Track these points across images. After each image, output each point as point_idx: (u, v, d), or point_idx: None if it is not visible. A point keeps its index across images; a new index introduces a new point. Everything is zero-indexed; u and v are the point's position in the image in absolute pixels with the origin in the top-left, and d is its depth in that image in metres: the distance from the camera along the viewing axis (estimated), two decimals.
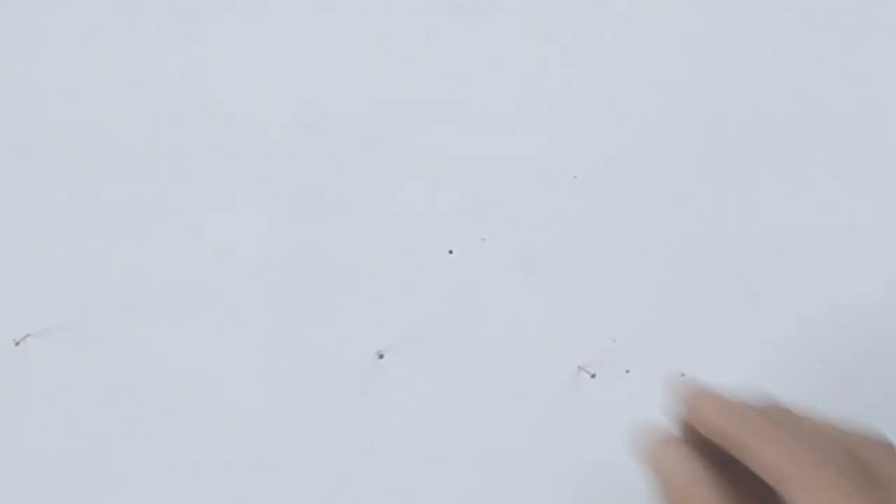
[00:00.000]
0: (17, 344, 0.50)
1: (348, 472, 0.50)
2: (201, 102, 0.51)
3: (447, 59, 0.52)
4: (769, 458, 0.38)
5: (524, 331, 0.51)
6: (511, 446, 0.50)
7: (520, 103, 0.52)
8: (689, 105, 0.52)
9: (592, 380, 0.50)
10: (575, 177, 0.52)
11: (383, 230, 0.51)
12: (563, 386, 0.50)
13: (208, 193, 0.51)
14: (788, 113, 0.52)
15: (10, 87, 0.51)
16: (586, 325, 0.51)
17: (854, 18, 0.52)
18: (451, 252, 0.51)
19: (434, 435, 0.51)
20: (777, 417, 0.40)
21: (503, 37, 0.52)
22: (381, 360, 0.51)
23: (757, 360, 0.51)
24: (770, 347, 0.50)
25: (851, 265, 0.51)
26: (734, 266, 0.51)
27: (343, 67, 0.52)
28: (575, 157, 0.52)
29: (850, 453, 0.39)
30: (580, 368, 0.50)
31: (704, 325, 0.51)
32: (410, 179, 0.51)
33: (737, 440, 0.39)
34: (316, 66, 0.51)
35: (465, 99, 0.52)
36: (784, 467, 0.38)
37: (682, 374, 0.50)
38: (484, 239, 0.51)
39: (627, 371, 0.50)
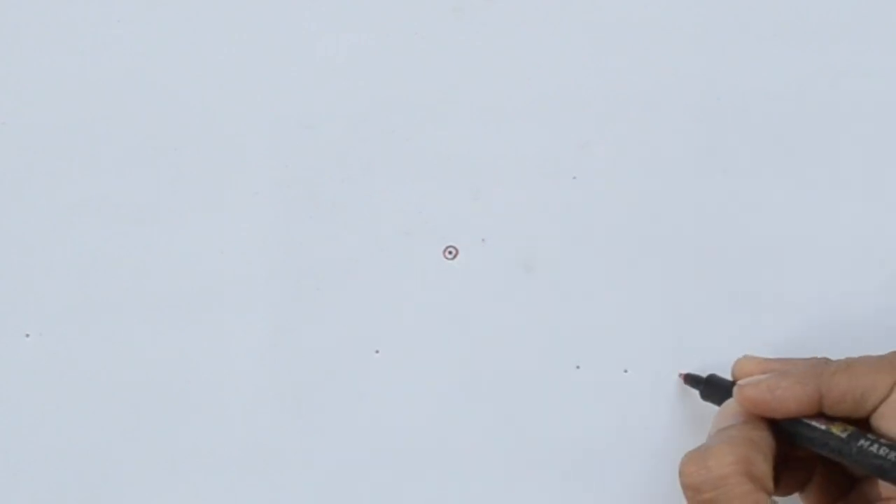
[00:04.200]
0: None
1: (346, 471, 0.50)
2: (200, 103, 0.51)
3: (446, 59, 0.52)
4: (852, 381, 0.43)
5: (523, 331, 0.51)
6: (509, 445, 0.50)
7: (519, 103, 0.52)
8: (689, 105, 0.52)
9: (591, 380, 0.50)
10: (574, 177, 0.52)
11: (383, 230, 0.51)
12: (561, 386, 0.50)
13: (208, 194, 0.51)
14: (788, 113, 0.52)
15: (8, 87, 0.51)
16: (585, 325, 0.51)
17: (855, 18, 0.52)
18: (451, 253, 0.51)
19: (433, 434, 0.51)
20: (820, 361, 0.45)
21: (502, 36, 0.52)
22: (380, 360, 0.51)
23: None
24: (770, 348, 0.50)
25: (851, 265, 0.51)
26: (734, 266, 0.51)
27: (342, 67, 0.51)
28: (574, 157, 0.51)
29: None
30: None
31: (704, 326, 0.50)
32: (410, 179, 0.51)
33: (810, 394, 0.43)
34: (315, 66, 0.51)
35: (465, 99, 0.51)
36: (868, 379, 0.43)
37: (680, 374, 0.50)
38: (484, 239, 0.51)
39: (626, 371, 0.50)
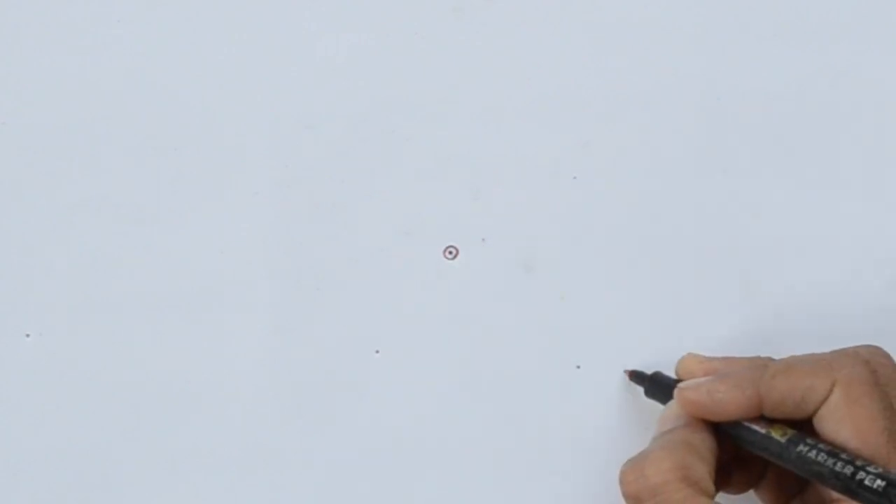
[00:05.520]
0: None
1: (347, 471, 0.50)
2: (200, 103, 0.51)
3: (446, 59, 0.52)
4: (791, 384, 0.43)
5: (523, 331, 0.51)
6: (509, 446, 0.50)
7: (519, 103, 0.52)
8: (689, 105, 0.52)
9: (591, 380, 0.50)
10: (574, 177, 0.52)
11: (383, 230, 0.51)
12: (561, 386, 0.50)
13: (208, 194, 0.51)
14: (788, 113, 0.52)
15: (8, 87, 0.51)
16: (585, 325, 0.51)
17: (855, 17, 0.52)
18: (451, 253, 0.51)
19: (433, 434, 0.51)
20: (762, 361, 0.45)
21: (502, 36, 0.52)
22: (380, 360, 0.51)
23: None
24: (770, 348, 0.50)
25: (851, 265, 0.51)
26: (734, 266, 0.51)
27: (342, 67, 0.52)
28: (574, 157, 0.52)
29: (854, 358, 0.43)
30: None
31: (704, 326, 0.50)
32: (410, 179, 0.51)
33: (749, 397, 0.43)
34: (315, 66, 0.52)
35: (465, 99, 0.52)
36: (806, 381, 0.43)
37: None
38: (484, 239, 0.51)
39: (626, 371, 0.50)
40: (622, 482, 0.43)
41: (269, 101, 0.51)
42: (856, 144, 0.52)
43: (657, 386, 0.48)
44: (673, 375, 0.48)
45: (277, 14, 0.51)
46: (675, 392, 0.45)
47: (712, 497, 0.42)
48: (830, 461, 0.41)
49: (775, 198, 0.51)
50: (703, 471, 0.42)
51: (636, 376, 0.49)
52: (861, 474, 0.40)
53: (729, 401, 0.43)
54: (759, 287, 0.51)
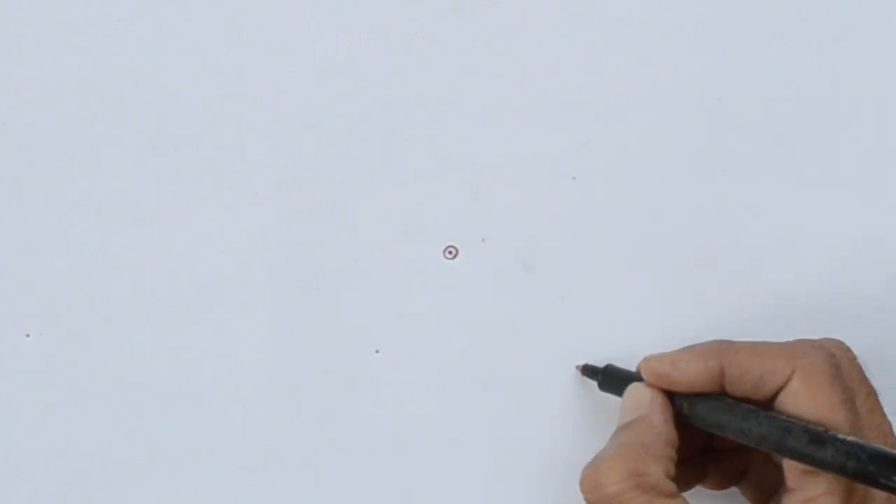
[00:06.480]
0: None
1: (346, 471, 0.51)
2: (200, 103, 0.51)
3: (446, 59, 0.52)
4: (752, 362, 0.43)
5: (524, 331, 0.51)
6: (510, 446, 0.50)
7: (519, 103, 0.52)
8: (689, 105, 0.52)
9: (590, 380, 0.50)
10: (574, 177, 0.52)
11: (383, 230, 0.51)
12: (561, 386, 0.50)
13: (208, 194, 0.51)
14: (788, 113, 0.52)
15: (8, 87, 0.51)
16: (585, 325, 0.51)
17: (855, 17, 0.52)
18: (451, 253, 0.51)
19: (432, 434, 0.51)
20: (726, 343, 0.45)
21: (502, 36, 0.52)
22: (380, 360, 0.51)
23: None
24: None
25: (851, 265, 0.51)
26: (734, 266, 0.51)
27: (342, 67, 0.52)
28: (574, 157, 0.52)
29: (818, 349, 0.44)
30: (579, 368, 0.50)
31: (704, 326, 0.50)
32: (410, 179, 0.51)
33: (711, 369, 0.44)
34: (315, 66, 0.52)
35: (465, 99, 0.51)
36: (768, 363, 0.43)
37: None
38: (484, 239, 0.51)
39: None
40: (582, 490, 0.43)
41: (269, 101, 0.51)
42: (856, 144, 0.52)
43: (612, 378, 0.48)
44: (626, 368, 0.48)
45: (277, 14, 0.51)
46: (640, 363, 0.46)
47: (673, 495, 0.42)
48: (799, 423, 0.41)
49: (775, 198, 0.51)
50: (659, 472, 0.42)
51: (588, 371, 0.49)
52: (832, 433, 0.41)
53: (691, 370, 0.44)
54: (759, 286, 0.51)
